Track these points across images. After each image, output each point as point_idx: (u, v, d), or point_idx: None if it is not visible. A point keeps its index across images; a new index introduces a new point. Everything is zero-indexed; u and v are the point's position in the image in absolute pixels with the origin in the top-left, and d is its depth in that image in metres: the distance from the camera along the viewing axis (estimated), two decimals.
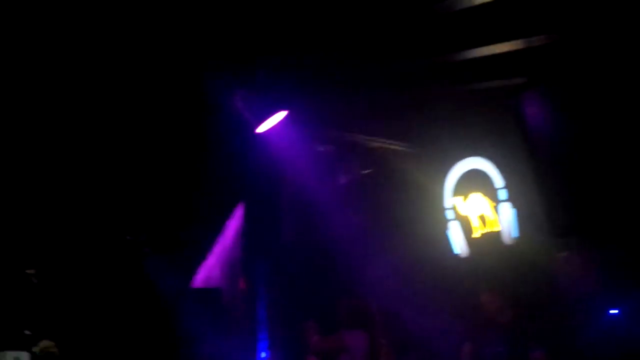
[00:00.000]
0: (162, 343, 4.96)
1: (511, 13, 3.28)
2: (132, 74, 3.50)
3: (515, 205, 4.58)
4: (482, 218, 4.86)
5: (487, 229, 4.82)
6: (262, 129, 3.71)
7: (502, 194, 4.65)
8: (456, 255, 4.94)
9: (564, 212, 4.00)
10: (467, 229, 4.95)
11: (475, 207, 4.91)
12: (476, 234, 4.90)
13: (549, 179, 4.02)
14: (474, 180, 4.88)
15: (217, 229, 5.71)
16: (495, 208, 4.73)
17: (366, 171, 5.48)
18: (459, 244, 4.94)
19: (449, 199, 5.07)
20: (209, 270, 6.31)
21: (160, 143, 4.46)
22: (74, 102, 4.00)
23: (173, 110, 3.97)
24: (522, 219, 4.54)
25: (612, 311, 4.04)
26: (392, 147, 5.24)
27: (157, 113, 4.03)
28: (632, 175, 3.58)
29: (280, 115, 3.67)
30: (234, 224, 5.62)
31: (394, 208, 5.24)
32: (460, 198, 5.01)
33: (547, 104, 3.79)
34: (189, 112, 4.02)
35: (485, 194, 4.82)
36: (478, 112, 4.44)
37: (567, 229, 4.06)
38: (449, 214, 5.04)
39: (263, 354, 5.24)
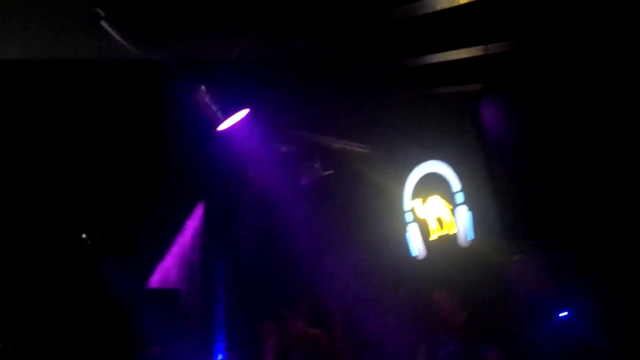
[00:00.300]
0: (116, 345, 4.83)
1: (470, 20, 3.37)
2: (84, 65, 3.39)
3: (471, 209, 4.68)
4: (440, 221, 4.95)
5: (444, 232, 4.91)
6: (223, 126, 3.63)
7: (459, 197, 4.74)
8: (414, 257, 5.01)
9: (517, 216, 4.11)
10: (425, 231, 5.03)
11: (433, 209, 5.00)
12: (433, 236, 4.99)
13: (504, 183, 4.11)
14: (433, 184, 4.97)
15: (175, 229, 5.61)
16: (453, 211, 4.82)
17: (327, 172, 5.50)
18: (416, 246, 5.01)
19: (408, 202, 5.15)
20: (165, 270, 6.19)
21: (116, 139, 4.34)
22: (26, 98, 3.85)
23: (130, 105, 3.87)
24: (478, 222, 4.64)
25: (562, 313, 4.18)
26: (354, 149, 5.28)
27: (114, 108, 3.92)
28: (583, 181, 3.70)
29: (243, 113, 3.61)
30: (192, 223, 5.54)
31: (354, 209, 5.29)
32: (419, 201, 5.09)
33: (503, 109, 3.89)
34: (147, 107, 3.93)
35: (443, 197, 4.91)
36: (437, 116, 4.52)
37: (520, 233, 4.16)
38: (408, 217, 5.12)
39: (220, 356, 5.18)
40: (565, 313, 4.16)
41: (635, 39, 2.81)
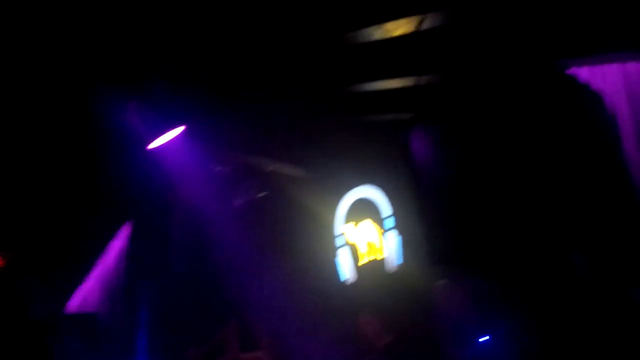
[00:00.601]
0: None
1: (403, 53, 3.51)
2: (11, 77, 3.22)
3: (400, 234, 4.80)
4: (370, 245, 5.04)
5: (374, 256, 5.00)
6: (154, 144, 3.52)
7: (389, 223, 4.86)
8: (343, 281, 5.05)
9: (442, 242, 4.25)
10: (355, 255, 5.09)
11: (364, 234, 5.09)
12: (363, 260, 5.06)
13: (431, 210, 4.26)
14: (364, 209, 5.07)
15: (98, 250, 5.35)
16: (382, 236, 4.93)
17: (261, 194, 5.47)
18: (346, 270, 5.06)
19: (340, 226, 5.21)
20: (86, 293, 5.87)
21: (38, 154, 4.11)
22: None
23: (54, 119, 3.69)
24: (407, 247, 4.77)
25: (482, 338, 4.33)
26: (288, 172, 5.29)
27: (37, 122, 3.72)
28: (506, 210, 3.89)
29: (176, 131, 3.52)
30: (117, 244, 5.30)
31: (287, 232, 5.27)
32: (350, 225, 5.16)
33: (432, 138, 4.05)
34: (73, 123, 3.76)
35: (374, 222, 5.01)
36: (370, 143, 4.64)
37: (444, 258, 4.31)
38: (339, 241, 5.17)
39: None
40: (486, 337, 4.31)
41: (550, 76, 3.03)
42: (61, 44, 3.10)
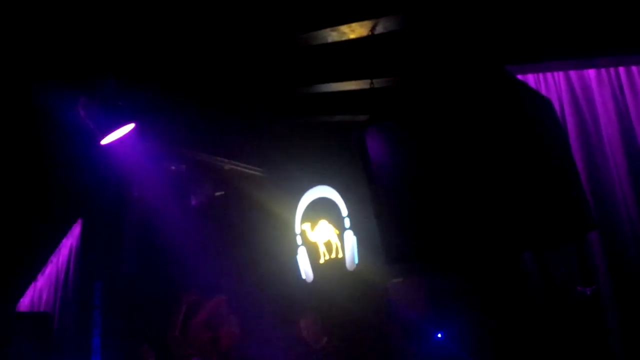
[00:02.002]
0: None
1: (358, 55, 3.54)
2: None
3: (357, 233, 4.85)
4: (328, 245, 5.07)
5: (332, 256, 5.03)
6: (107, 140, 3.44)
7: (347, 222, 4.90)
8: (302, 280, 5.07)
9: (397, 240, 4.31)
10: (314, 254, 5.11)
11: (322, 233, 5.11)
12: (322, 260, 5.09)
13: (386, 209, 4.30)
14: (322, 208, 5.09)
15: (50, 247, 5.23)
16: (340, 235, 4.96)
17: (219, 193, 5.43)
18: (304, 270, 5.08)
19: (299, 225, 5.22)
20: (38, 292, 5.74)
21: None
22: None
23: (4, 114, 3.58)
24: (363, 246, 4.82)
25: (437, 334, 4.42)
26: (246, 170, 5.27)
27: None
28: (459, 208, 3.97)
29: (128, 127, 3.45)
30: (69, 242, 5.19)
31: (245, 231, 5.26)
32: (309, 224, 5.18)
33: (387, 139, 4.10)
34: (23, 118, 3.65)
35: (332, 222, 5.04)
36: (327, 143, 4.67)
37: (399, 257, 4.37)
38: (298, 240, 5.18)
39: None
40: (440, 334, 4.41)
41: (499, 80, 3.12)
42: (10, 37, 3.02)
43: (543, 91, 3.38)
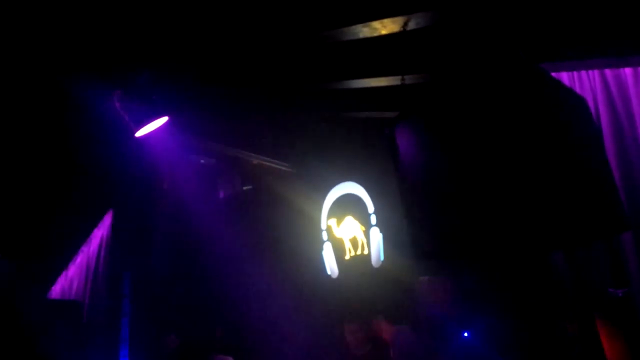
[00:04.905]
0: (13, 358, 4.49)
1: (390, 51, 3.53)
2: None
3: (383, 230, 4.84)
4: (354, 241, 5.08)
5: (358, 252, 5.04)
6: (141, 133, 3.50)
7: (373, 219, 4.90)
8: (328, 276, 5.09)
9: (425, 237, 4.28)
10: (340, 250, 5.13)
11: (348, 230, 5.12)
12: (347, 256, 5.10)
13: (415, 206, 4.29)
14: (349, 204, 5.10)
15: (81, 237, 5.34)
16: (366, 232, 4.96)
17: (247, 187, 5.48)
18: (330, 265, 5.09)
19: (325, 221, 5.24)
20: (69, 280, 5.87)
21: (23, 141, 4.09)
22: None
23: (39, 107, 3.67)
24: (390, 243, 4.81)
25: (464, 333, 4.38)
26: (274, 165, 5.31)
27: (23, 109, 3.71)
28: (490, 206, 3.93)
29: (161, 121, 3.51)
30: (100, 232, 5.30)
31: (272, 225, 5.30)
32: (334, 220, 5.20)
33: (417, 136, 4.08)
34: (58, 110, 3.74)
35: (358, 218, 5.05)
36: (355, 139, 4.67)
37: (428, 254, 4.34)
38: (324, 235, 5.20)
39: None
40: (468, 332, 4.37)
41: (533, 78, 3.08)
42: (46, 33, 3.10)
43: (577, 89, 3.32)
